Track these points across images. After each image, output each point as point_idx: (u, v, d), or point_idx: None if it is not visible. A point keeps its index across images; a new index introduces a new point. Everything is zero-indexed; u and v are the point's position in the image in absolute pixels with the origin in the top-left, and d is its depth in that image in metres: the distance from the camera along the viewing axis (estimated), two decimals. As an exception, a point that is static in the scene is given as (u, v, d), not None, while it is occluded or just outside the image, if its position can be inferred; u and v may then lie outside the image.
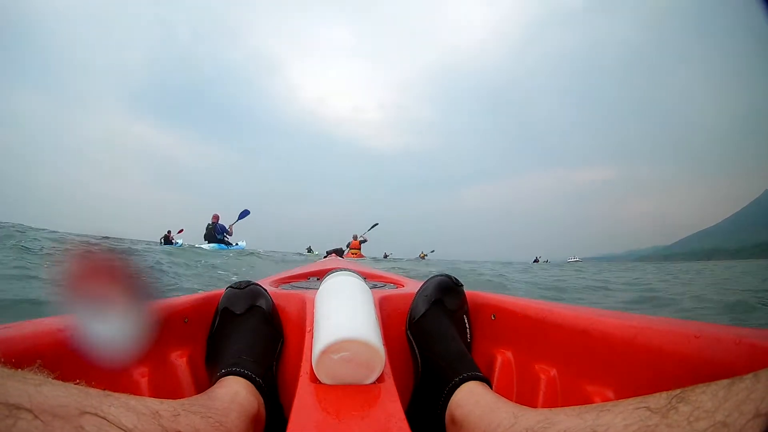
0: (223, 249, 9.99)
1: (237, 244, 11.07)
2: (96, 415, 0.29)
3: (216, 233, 10.48)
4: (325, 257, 2.55)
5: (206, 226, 10.66)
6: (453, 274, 0.80)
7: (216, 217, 10.75)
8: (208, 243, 10.32)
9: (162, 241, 13.68)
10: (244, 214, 11.15)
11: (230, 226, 10.79)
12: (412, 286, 0.98)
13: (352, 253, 11.87)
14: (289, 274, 1.44)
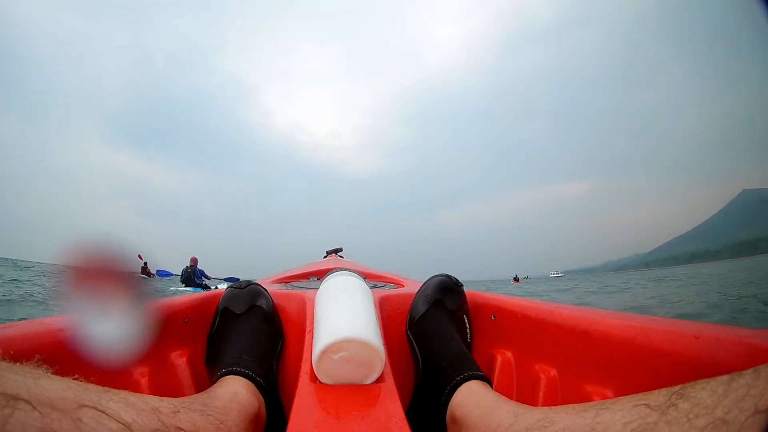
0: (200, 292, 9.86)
1: (216, 288, 10.87)
2: (94, 408, 0.29)
3: (195, 277, 10.11)
4: (325, 257, 2.54)
5: (184, 268, 10.24)
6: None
7: (194, 260, 10.33)
8: (185, 286, 9.95)
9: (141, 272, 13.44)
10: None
11: (210, 278, 10.36)
12: (412, 286, 0.98)
13: None
14: (290, 274, 1.44)
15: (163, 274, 10.90)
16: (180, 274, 10.38)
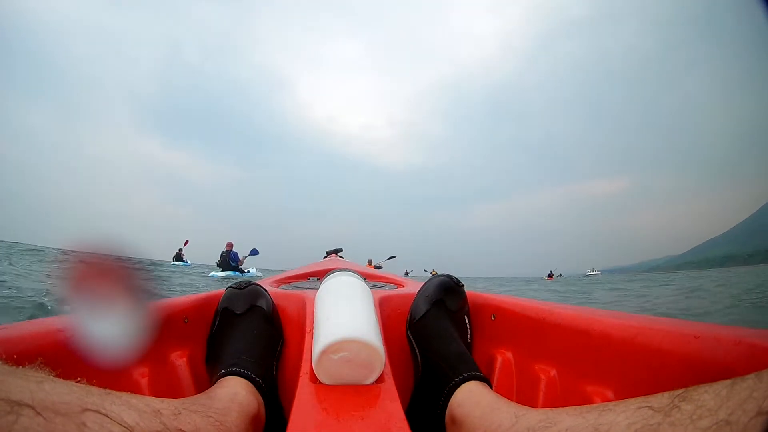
0: (238, 275, 10.35)
1: (249, 271, 11.47)
2: (98, 412, 0.29)
3: (230, 261, 10.84)
4: (325, 257, 2.54)
5: (220, 253, 10.97)
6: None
7: (230, 245, 11.07)
8: (222, 270, 10.63)
9: (174, 259, 13.88)
10: (254, 252, 11.60)
11: (242, 258, 11.17)
12: (413, 287, 0.98)
13: None
14: (290, 274, 1.44)
15: (253, 252, 11.76)
16: (218, 259, 11.04)
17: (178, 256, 14.14)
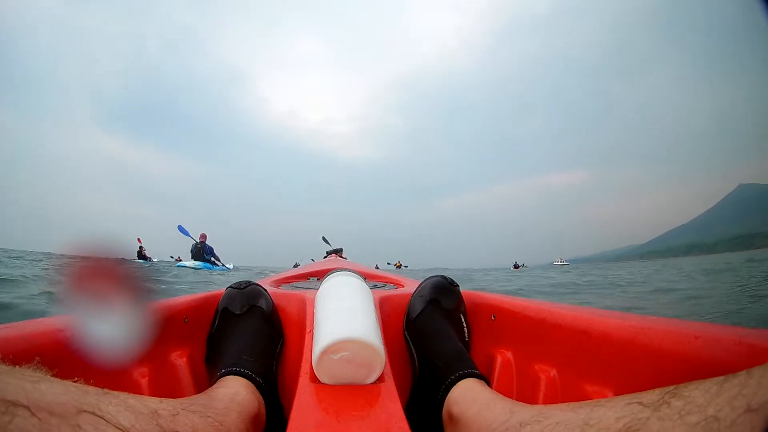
0: (210, 268, 10.32)
1: (224, 266, 11.40)
2: (93, 413, 0.29)
3: (204, 253, 10.90)
4: (325, 257, 2.53)
5: (194, 244, 11.09)
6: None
7: (204, 237, 11.18)
8: (194, 260, 10.68)
9: (138, 257, 13.81)
10: (182, 230, 11.64)
11: (215, 256, 11.19)
12: (412, 287, 0.98)
13: None
14: (289, 274, 1.44)
15: (183, 231, 11.75)
16: (190, 250, 11.13)
17: (141, 254, 14.07)
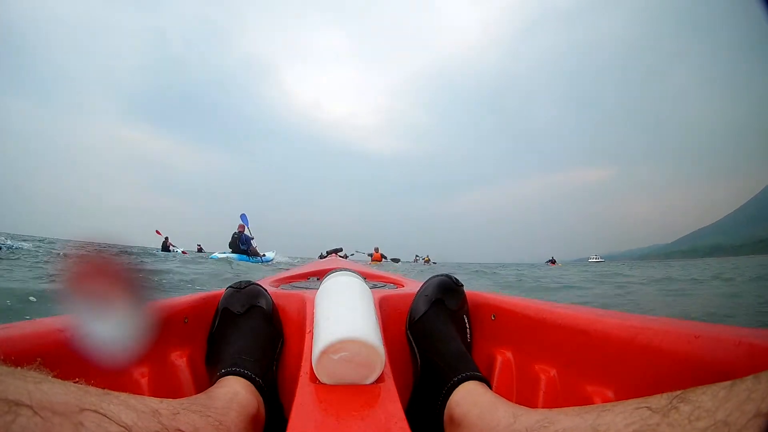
0: (244, 260, 9.85)
1: (264, 256, 10.98)
2: (96, 412, 0.29)
3: (239, 243, 10.42)
4: (325, 257, 2.54)
5: (232, 234, 10.69)
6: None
7: (242, 227, 10.76)
8: (232, 252, 10.27)
9: (162, 249, 13.82)
10: (244, 219, 11.16)
11: (254, 245, 10.77)
12: (412, 286, 0.98)
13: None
14: (289, 274, 1.44)
15: (244, 220, 11.07)
16: (229, 242, 10.69)
17: (165, 245, 13.95)
